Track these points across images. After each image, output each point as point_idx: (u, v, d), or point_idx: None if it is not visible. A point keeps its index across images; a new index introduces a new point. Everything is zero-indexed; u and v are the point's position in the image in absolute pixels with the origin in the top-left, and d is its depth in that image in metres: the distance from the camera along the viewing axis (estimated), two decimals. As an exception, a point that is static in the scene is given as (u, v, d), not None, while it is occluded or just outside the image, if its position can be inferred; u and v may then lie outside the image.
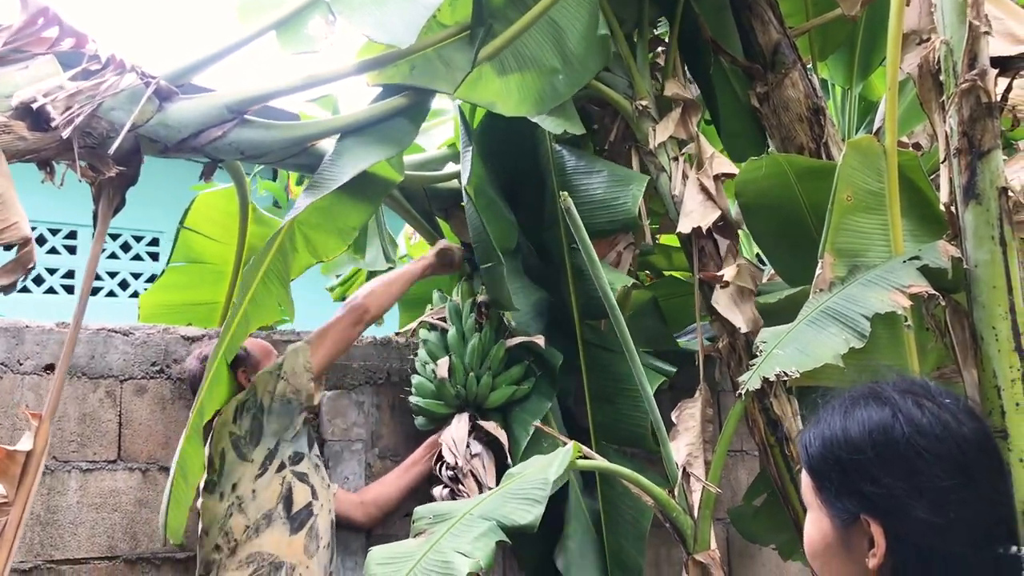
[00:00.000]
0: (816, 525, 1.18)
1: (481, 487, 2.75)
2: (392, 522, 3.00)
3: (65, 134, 2.20)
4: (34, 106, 2.20)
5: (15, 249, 2.09)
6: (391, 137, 2.74)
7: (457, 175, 3.35)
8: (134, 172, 2.44)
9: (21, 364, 2.68)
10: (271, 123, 2.68)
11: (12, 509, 2.18)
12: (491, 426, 2.92)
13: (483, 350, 3.00)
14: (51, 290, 6.12)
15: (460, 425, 2.93)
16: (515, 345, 3.03)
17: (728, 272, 2.71)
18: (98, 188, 2.44)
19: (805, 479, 1.20)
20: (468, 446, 2.84)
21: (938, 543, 1.09)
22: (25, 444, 2.23)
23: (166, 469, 2.79)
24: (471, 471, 2.78)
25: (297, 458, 2.62)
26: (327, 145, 2.75)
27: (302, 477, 2.61)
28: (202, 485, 2.58)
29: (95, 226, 2.46)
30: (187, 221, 3.50)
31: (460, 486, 2.76)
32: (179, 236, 3.53)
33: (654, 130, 3.03)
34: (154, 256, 6.65)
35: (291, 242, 2.61)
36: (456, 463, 2.80)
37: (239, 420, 2.57)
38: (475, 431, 2.93)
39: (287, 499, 2.56)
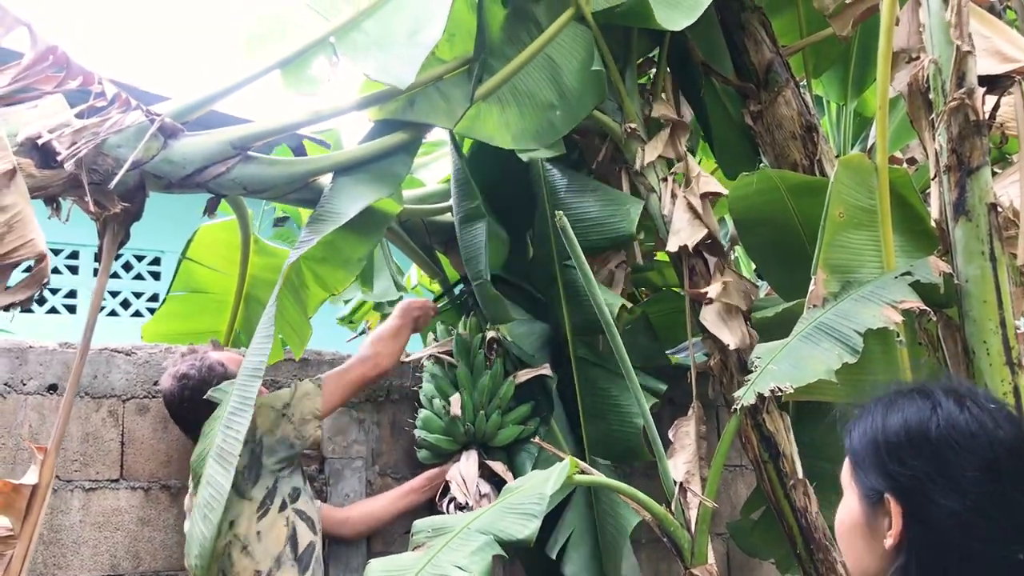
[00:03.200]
0: (847, 506, 1.26)
1: None
2: (393, 539, 3.03)
3: (68, 167, 2.24)
4: (39, 142, 2.24)
5: (31, 265, 2.13)
6: (389, 172, 2.78)
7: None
8: (138, 208, 2.49)
9: (24, 384, 2.70)
10: (274, 159, 2.73)
11: (18, 543, 2.21)
12: (499, 467, 2.94)
13: (493, 387, 3.02)
14: (53, 310, 6.16)
15: (469, 463, 2.94)
16: (523, 382, 3.05)
17: (712, 290, 2.74)
18: (103, 223, 2.48)
19: (845, 463, 1.28)
20: (477, 486, 2.85)
21: (956, 534, 1.12)
22: (31, 478, 2.25)
23: (168, 488, 2.81)
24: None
25: (295, 494, 2.61)
26: (329, 180, 2.79)
27: (302, 515, 2.60)
28: (187, 507, 2.58)
29: (99, 260, 2.50)
30: (189, 252, 3.54)
31: None
32: (180, 266, 3.57)
33: (643, 150, 3.06)
34: (156, 276, 6.70)
35: (299, 278, 2.64)
36: (467, 503, 2.80)
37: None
38: (482, 469, 2.94)
39: (292, 540, 2.55)
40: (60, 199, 2.38)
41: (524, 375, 3.06)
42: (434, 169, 3.82)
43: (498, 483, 2.84)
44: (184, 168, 2.52)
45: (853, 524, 1.23)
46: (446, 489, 2.91)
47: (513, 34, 2.97)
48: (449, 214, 3.34)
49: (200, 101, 2.62)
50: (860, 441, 1.24)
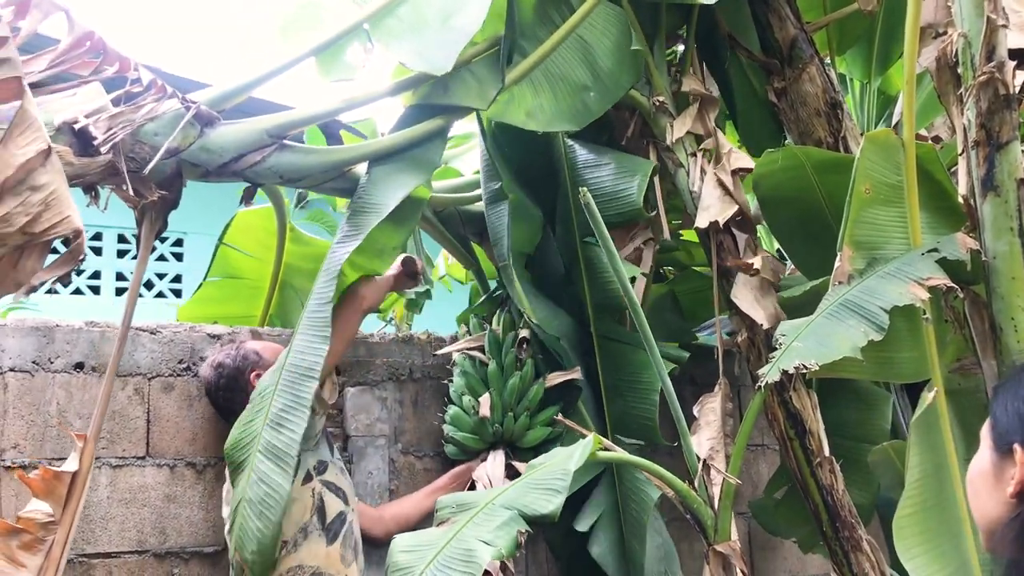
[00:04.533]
0: (979, 456, 1.30)
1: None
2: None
3: (104, 152, 2.25)
4: (76, 127, 2.25)
5: (68, 242, 2.14)
6: (424, 160, 2.78)
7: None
8: (176, 196, 2.49)
9: (52, 363, 2.73)
10: (309, 148, 2.73)
11: (59, 528, 2.24)
12: (525, 469, 2.93)
13: (523, 388, 3.01)
14: (77, 291, 6.20)
15: (496, 464, 2.93)
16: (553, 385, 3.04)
17: (756, 261, 2.72)
18: (141, 212, 2.49)
19: (986, 422, 1.32)
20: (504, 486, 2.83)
21: None
22: (71, 464, 2.28)
23: (193, 465, 2.84)
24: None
25: (322, 467, 2.63)
26: (364, 169, 2.80)
27: (330, 486, 2.63)
28: (225, 490, 2.62)
29: (138, 247, 2.53)
30: (226, 238, 3.60)
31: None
32: (217, 251, 3.63)
33: (671, 126, 3.05)
34: (178, 257, 6.74)
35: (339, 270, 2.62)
36: None
37: None
38: (508, 470, 2.93)
39: (320, 510, 2.58)
40: (98, 187, 2.39)
41: (555, 378, 3.03)
42: (468, 159, 3.83)
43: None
44: (220, 156, 2.52)
45: (981, 471, 1.27)
46: (472, 488, 2.91)
47: (544, 14, 2.96)
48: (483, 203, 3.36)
49: (236, 89, 2.62)
50: (1002, 398, 1.28)
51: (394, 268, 2.97)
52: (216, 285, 3.66)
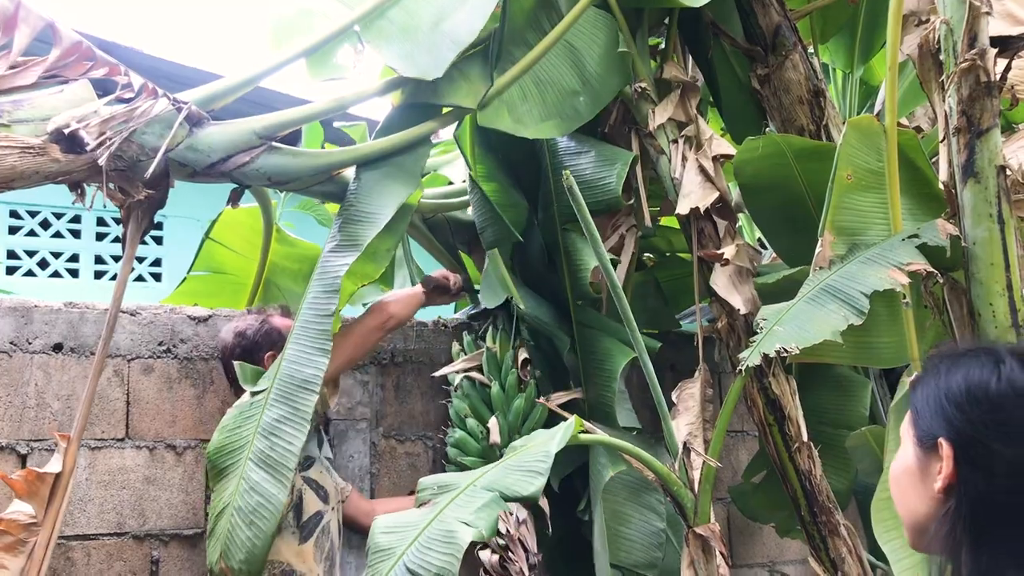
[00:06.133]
0: (902, 452, 1.28)
1: (528, 554, 2.67)
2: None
3: (101, 160, 2.24)
4: (67, 131, 2.23)
5: None
6: (412, 166, 2.79)
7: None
8: (162, 195, 2.48)
9: (30, 343, 2.71)
10: (298, 151, 2.72)
11: (41, 530, 2.23)
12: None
13: (527, 410, 3.00)
14: (56, 274, 6.15)
15: None
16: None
17: (728, 251, 2.73)
18: (127, 211, 2.47)
19: (906, 415, 1.30)
20: (513, 512, 2.74)
21: (1005, 482, 1.14)
22: (54, 466, 2.27)
23: (173, 447, 2.83)
24: (519, 539, 2.72)
25: (307, 463, 2.63)
26: (352, 174, 2.80)
27: (312, 483, 2.62)
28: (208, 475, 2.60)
29: (123, 247, 2.51)
30: (212, 233, 3.60)
31: (510, 553, 2.67)
32: (203, 246, 3.64)
33: (653, 112, 3.04)
34: (158, 240, 6.68)
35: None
36: (507, 530, 2.73)
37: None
38: None
39: (297, 508, 2.58)
40: (84, 185, 2.38)
41: (558, 398, 3.02)
42: (458, 167, 3.84)
43: (531, 507, 2.78)
44: (208, 156, 2.51)
45: (906, 469, 1.26)
46: None
47: (534, 20, 2.99)
48: (471, 210, 3.36)
49: (226, 89, 2.62)
50: (922, 391, 1.26)
51: (427, 284, 2.99)
52: (200, 279, 3.68)
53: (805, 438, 2.70)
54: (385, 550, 1.98)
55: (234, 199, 2.75)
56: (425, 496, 2.09)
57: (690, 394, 2.87)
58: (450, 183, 3.80)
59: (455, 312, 3.71)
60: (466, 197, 3.34)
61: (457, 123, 3.11)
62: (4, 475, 2.31)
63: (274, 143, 2.63)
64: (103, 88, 2.43)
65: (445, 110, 2.90)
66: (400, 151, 2.79)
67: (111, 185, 2.36)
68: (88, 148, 2.24)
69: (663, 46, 3.25)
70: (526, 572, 2.58)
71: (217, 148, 2.52)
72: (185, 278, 3.72)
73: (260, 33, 2.74)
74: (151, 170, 2.34)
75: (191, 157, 2.49)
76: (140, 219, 2.47)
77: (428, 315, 3.38)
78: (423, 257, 3.81)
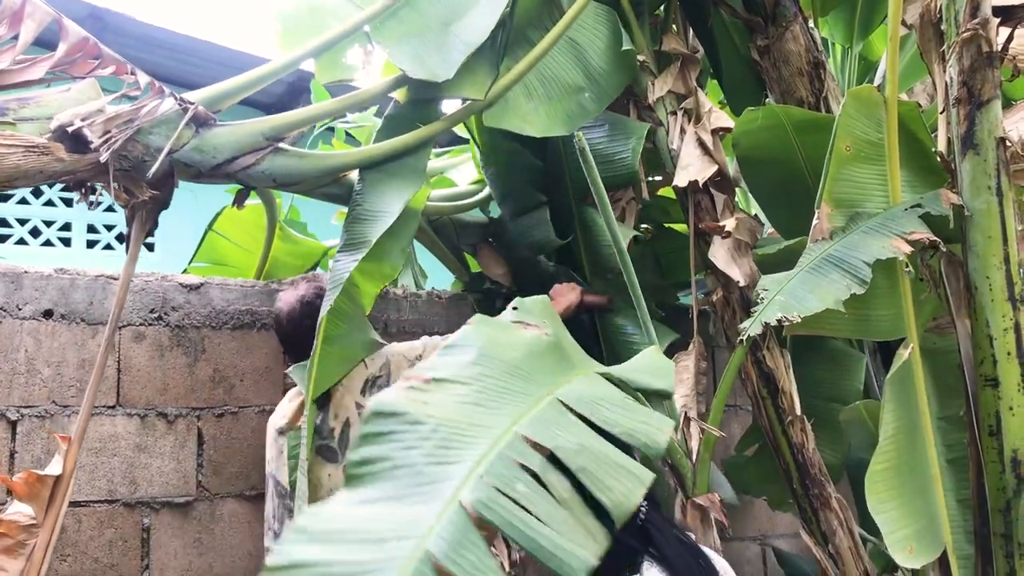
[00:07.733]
0: None
1: (511, 550, 2.64)
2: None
3: (103, 158, 2.21)
4: (70, 130, 2.20)
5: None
6: (417, 166, 2.76)
7: (485, 201, 3.44)
8: (167, 196, 2.45)
9: (20, 309, 2.68)
10: (304, 152, 2.69)
11: (41, 532, 2.21)
12: None
13: None
14: (48, 243, 6.11)
15: None
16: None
17: (729, 224, 2.71)
18: (131, 210, 2.44)
19: None
20: None
21: None
22: (55, 468, 2.25)
23: (164, 415, 2.81)
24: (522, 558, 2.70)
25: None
26: (357, 176, 2.77)
27: (363, 410, 2.60)
28: (314, 449, 2.54)
29: (127, 248, 2.48)
30: (216, 225, 3.62)
31: (492, 549, 2.66)
32: (205, 238, 3.65)
33: (653, 84, 3.03)
34: (151, 213, 6.66)
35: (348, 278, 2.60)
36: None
37: (366, 395, 2.55)
38: None
39: (343, 435, 2.55)
40: (88, 185, 2.35)
41: None
42: (464, 170, 3.84)
43: None
44: (214, 158, 2.48)
45: None
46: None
47: (537, 18, 2.97)
48: (478, 211, 3.39)
49: (232, 89, 2.58)
50: None
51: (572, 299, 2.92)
52: (201, 271, 3.68)
53: (799, 411, 2.70)
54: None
55: (239, 200, 2.72)
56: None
57: (684, 366, 2.87)
58: (455, 185, 3.82)
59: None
60: (471, 199, 3.33)
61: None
62: (4, 478, 2.30)
63: (280, 145, 2.60)
64: (110, 87, 2.40)
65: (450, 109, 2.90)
66: (406, 152, 2.76)
67: (116, 185, 2.33)
68: (92, 147, 2.22)
69: (664, 17, 3.22)
70: (507, 567, 2.57)
71: (223, 149, 2.49)
72: (186, 269, 3.75)
73: (268, 28, 2.71)
74: (153, 170, 2.31)
75: (197, 158, 2.46)
76: (144, 219, 2.45)
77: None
78: (425, 257, 3.81)
